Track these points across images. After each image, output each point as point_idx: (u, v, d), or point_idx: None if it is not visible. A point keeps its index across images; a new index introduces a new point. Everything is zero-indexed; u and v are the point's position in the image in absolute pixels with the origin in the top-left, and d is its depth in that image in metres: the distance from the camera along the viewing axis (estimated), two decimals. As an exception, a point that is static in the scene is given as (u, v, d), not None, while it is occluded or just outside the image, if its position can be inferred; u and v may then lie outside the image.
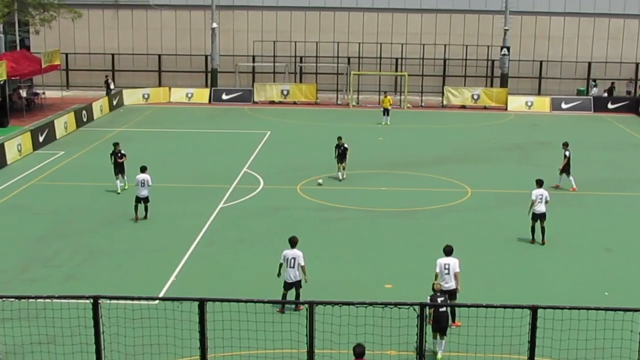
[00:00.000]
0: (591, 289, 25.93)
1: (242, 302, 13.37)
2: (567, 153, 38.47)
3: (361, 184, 38.95)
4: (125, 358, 19.19)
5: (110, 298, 14.05)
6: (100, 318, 13.38)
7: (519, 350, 18.11)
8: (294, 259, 23.54)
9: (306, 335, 12.83)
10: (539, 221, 30.07)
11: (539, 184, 31.00)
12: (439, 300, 19.99)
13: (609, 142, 52.61)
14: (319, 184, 38.46)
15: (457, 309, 22.42)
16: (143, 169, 33.17)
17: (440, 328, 19.91)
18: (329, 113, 62.93)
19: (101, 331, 13.36)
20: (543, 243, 29.83)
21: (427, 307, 12.81)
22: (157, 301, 22.23)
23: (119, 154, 36.99)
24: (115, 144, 37.46)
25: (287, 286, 23.59)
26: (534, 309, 12.58)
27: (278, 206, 35.15)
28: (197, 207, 34.74)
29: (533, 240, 30.06)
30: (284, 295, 23.53)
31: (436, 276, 22.60)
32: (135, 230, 31.55)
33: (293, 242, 23.95)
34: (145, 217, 32.80)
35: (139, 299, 15.00)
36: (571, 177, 38.62)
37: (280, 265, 23.76)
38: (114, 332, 17.02)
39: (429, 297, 19.94)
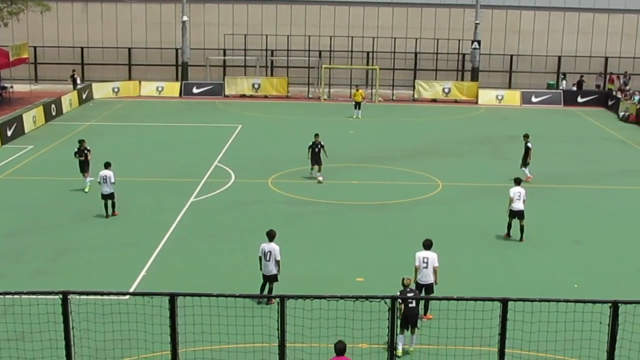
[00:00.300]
0: (561, 281, 26.07)
1: (213, 297, 13.31)
2: (529, 145, 38.71)
3: (332, 178, 38.94)
4: (96, 353, 19.08)
5: (80, 293, 13.95)
6: (70, 314, 13.28)
7: (489, 342, 18.16)
8: (270, 252, 23.57)
9: (277, 329, 12.81)
10: (516, 218, 29.79)
11: (517, 182, 30.52)
12: (409, 295, 19.98)
13: (578, 135, 52.94)
14: (319, 182, 37.86)
15: (429, 302, 22.47)
16: (106, 165, 32.46)
17: (410, 324, 19.93)
18: (300, 107, 62.89)
19: (71, 327, 13.27)
20: (521, 240, 29.75)
21: (398, 301, 12.84)
22: (127, 296, 22.11)
23: (85, 151, 36.04)
24: (81, 141, 36.57)
25: (264, 279, 23.65)
26: (504, 302, 12.62)
27: (249, 200, 35.07)
28: (168, 201, 34.58)
29: (508, 235, 30.08)
30: (263, 286, 23.59)
31: (415, 270, 22.61)
32: (106, 225, 31.36)
33: (271, 236, 23.95)
34: (113, 213, 32.35)
35: (108, 294, 14.90)
36: (527, 169, 38.87)
37: (260, 258, 23.75)
38: (84, 327, 16.91)
39: (398, 292, 19.93)
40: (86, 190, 35.66)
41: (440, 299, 13.60)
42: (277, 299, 12.82)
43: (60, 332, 13.31)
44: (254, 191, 36.63)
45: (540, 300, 13.06)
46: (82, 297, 14.80)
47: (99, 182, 32.14)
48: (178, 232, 30.56)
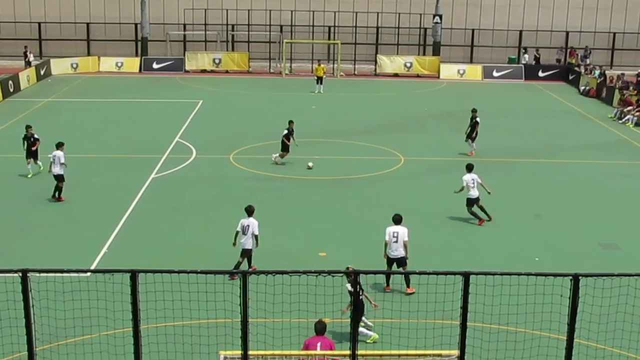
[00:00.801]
0: (522, 254, 26.24)
1: (175, 273, 13.21)
2: (477, 119, 38.79)
3: (294, 153, 38.83)
4: (56, 331, 18.94)
5: (40, 271, 13.77)
6: (30, 292, 13.11)
7: (451, 316, 18.25)
8: (248, 226, 23.71)
9: (240, 305, 12.74)
10: (475, 205, 29.17)
11: (469, 168, 29.46)
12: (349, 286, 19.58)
13: (539, 109, 53.23)
14: (309, 167, 36.32)
15: (402, 276, 22.53)
16: (58, 145, 31.32)
17: (359, 315, 19.67)
18: (262, 82, 62.65)
19: (31, 305, 13.09)
20: (489, 219, 29.24)
21: (360, 275, 12.85)
22: (88, 273, 21.91)
23: (32, 139, 34.21)
24: (28, 127, 34.82)
25: (242, 253, 23.81)
26: (466, 275, 12.64)
27: (211, 176, 34.92)
28: (129, 178, 34.33)
29: (487, 219, 29.35)
30: (239, 263, 23.64)
31: (385, 244, 22.71)
32: (66, 203, 31.04)
33: (249, 211, 24.04)
34: (59, 198, 31.01)
35: (68, 271, 14.74)
36: (474, 143, 38.99)
37: (237, 233, 23.85)
38: (44, 305, 16.72)
39: (348, 284, 19.49)
40: (29, 175, 34.22)
41: (402, 273, 13.61)
42: (240, 275, 12.76)
43: (20, 310, 13.15)
44: (215, 167, 36.48)
45: (502, 274, 13.09)
46: (42, 274, 14.63)
47: (51, 162, 31.13)
48: (139, 209, 30.36)
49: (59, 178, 30.96)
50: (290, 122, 37.46)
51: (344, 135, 43.42)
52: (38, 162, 34.45)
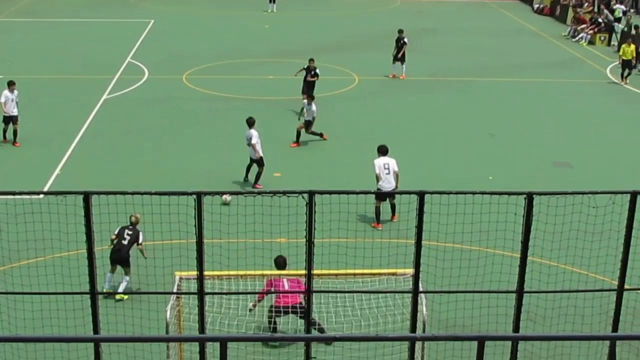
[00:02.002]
0: (476, 173, 26.39)
1: (129, 195, 13.09)
2: (405, 40, 38.43)
3: (248, 73, 38.52)
4: (9, 254, 18.81)
5: (-9, 193, 13.60)
6: (-19, 214, 12.95)
7: (406, 235, 18.38)
8: (250, 138, 24.85)
9: (195, 226, 12.68)
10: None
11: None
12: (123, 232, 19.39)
13: (493, 28, 53.11)
14: (225, 203, 22.45)
15: (390, 206, 22.55)
16: (9, 84, 28.39)
17: (121, 261, 19.28)
18: (214, 0, 61.72)
19: (-17, 228, 12.96)
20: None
21: (315, 195, 12.81)
22: (41, 195, 21.75)
23: None
24: None
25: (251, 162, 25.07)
26: (420, 194, 12.66)
27: (164, 97, 34.55)
28: (81, 98, 33.84)
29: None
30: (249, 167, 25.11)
31: (377, 177, 22.24)
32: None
33: (251, 123, 25.07)
34: (14, 142, 28.35)
35: (20, 193, 14.57)
36: (404, 66, 38.80)
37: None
38: (-4, 228, 16.63)
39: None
40: None
41: (357, 193, 13.61)
42: (194, 196, 12.66)
43: (-28, 233, 13.01)
44: (168, 88, 36.08)
45: (456, 193, 13.14)
46: (-6, 197, 14.45)
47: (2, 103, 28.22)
48: (92, 130, 30.01)
49: (13, 119, 28.38)
50: (311, 60, 33.66)
51: (298, 54, 43.00)
52: None
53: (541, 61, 43.26)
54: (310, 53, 42.77)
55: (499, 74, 40.12)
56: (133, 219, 19.02)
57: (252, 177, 25.17)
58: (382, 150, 22.86)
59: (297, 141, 28.65)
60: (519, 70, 41.03)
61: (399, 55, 38.51)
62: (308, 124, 28.74)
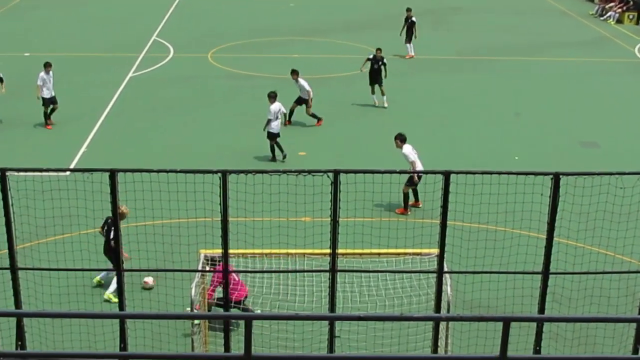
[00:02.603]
0: (502, 153, 26.27)
1: (154, 172, 13.11)
2: (414, 19, 38.12)
3: (272, 51, 38.46)
4: (36, 230, 18.93)
5: (18, 170, 13.64)
6: (9, 190, 12.99)
7: (431, 215, 18.33)
8: (280, 110, 25.65)
9: (220, 204, 12.69)
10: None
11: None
12: None
13: (520, 6, 52.64)
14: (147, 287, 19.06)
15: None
16: (45, 65, 28.25)
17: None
18: (240, -21, 61.55)
19: (10, 204, 12.99)
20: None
21: (340, 174, 12.76)
22: (67, 172, 21.85)
23: None
24: None
25: (274, 136, 25.54)
26: (446, 174, 12.59)
27: (189, 75, 34.57)
28: (106, 77, 33.93)
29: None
30: (272, 146, 25.46)
31: (413, 164, 21.61)
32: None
33: (273, 97, 25.64)
34: (47, 122, 28.31)
35: (47, 170, 14.61)
36: (411, 45, 38.32)
37: (269, 121, 25.25)
38: (23, 204, 16.66)
39: None
40: None
41: (382, 172, 13.56)
42: (219, 174, 12.66)
43: (-1, 209, 13.05)
44: (193, 66, 36.09)
45: (482, 173, 13.06)
46: (21, 174, 14.50)
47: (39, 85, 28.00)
48: (118, 108, 30.11)
49: (50, 101, 28.20)
50: (378, 49, 31.73)
51: (323, 33, 42.94)
52: None
53: (568, 40, 42.91)
54: (335, 31, 42.70)
55: (525, 52, 39.82)
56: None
57: (279, 154, 25.28)
58: (404, 139, 22.36)
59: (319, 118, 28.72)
60: (546, 49, 40.71)
61: (408, 34, 38.12)
62: None
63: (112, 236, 18.24)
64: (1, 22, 42.89)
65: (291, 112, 28.54)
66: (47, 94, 27.99)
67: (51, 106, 28.19)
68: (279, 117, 25.56)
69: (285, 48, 39.39)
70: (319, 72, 35.05)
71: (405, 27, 38.22)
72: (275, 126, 25.39)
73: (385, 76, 30.70)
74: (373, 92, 30.80)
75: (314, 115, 28.63)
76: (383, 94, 30.52)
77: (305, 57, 37.70)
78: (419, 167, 21.76)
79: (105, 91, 31.75)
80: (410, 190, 22.15)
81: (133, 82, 33.43)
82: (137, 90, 32.34)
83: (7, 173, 12.80)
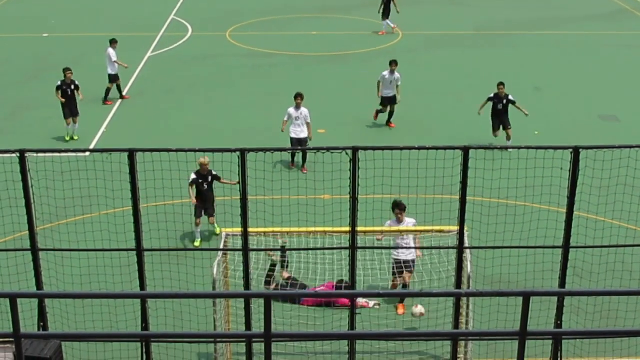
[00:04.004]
0: (522, 128, 26.10)
1: (173, 152, 13.15)
2: None
3: (291, 29, 38.36)
4: (56, 211, 19.02)
5: (38, 152, 13.68)
6: (29, 172, 13.05)
7: (451, 190, 18.28)
8: (304, 115, 23.12)
9: (239, 183, 12.71)
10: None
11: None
12: None
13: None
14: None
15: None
16: (111, 42, 28.95)
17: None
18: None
19: (30, 185, 13.05)
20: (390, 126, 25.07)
21: (359, 151, 12.73)
22: (87, 153, 21.92)
23: (72, 87, 25.68)
24: (66, 71, 25.71)
25: (292, 142, 22.91)
26: (465, 150, 12.56)
27: (208, 54, 34.54)
28: (125, 56, 33.81)
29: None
30: (293, 155, 22.63)
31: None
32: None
33: (299, 98, 23.24)
34: (121, 96, 29.07)
35: (67, 151, 14.68)
36: (388, 21, 37.70)
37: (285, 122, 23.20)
38: (43, 185, 16.75)
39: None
40: (67, 138, 25.39)
41: (401, 149, 13.53)
42: (238, 153, 12.67)
43: (19, 190, 13.11)
44: (212, 44, 36.04)
45: (502, 148, 13.04)
46: (41, 155, 14.56)
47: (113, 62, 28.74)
48: (137, 88, 30.15)
49: (112, 78, 28.75)
50: (501, 84, 25.14)
51: (341, 10, 42.75)
52: (76, 124, 25.73)
53: (588, 13, 42.56)
54: (353, 7, 42.51)
55: (544, 26, 39.53)
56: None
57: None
58: (403, 208, 18.04)
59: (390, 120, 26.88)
60: (566, 22, 40.41)
61: (386, 11, 37.49)
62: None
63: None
64: (19, 4, 42.93)
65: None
66: (113, 70, 28.58)
67: (116, 83, 28.80)
68: (300, 123, 23.03)
69: (303, 25, 39.26)
70: (337, 49, 34.97)
71: (383, 4, 37.73)
72: (296, 131, 22.97)
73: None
74: (495, 135, 24.88)
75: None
76: (508, 139, 24.48)
77: (324, 35, 37.57)
78: None
79: (123, 71, 31.69)
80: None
81: (151, 61, 33.44)
82: (155, 70, 32.36)
83: (27, 154, 12.86)
